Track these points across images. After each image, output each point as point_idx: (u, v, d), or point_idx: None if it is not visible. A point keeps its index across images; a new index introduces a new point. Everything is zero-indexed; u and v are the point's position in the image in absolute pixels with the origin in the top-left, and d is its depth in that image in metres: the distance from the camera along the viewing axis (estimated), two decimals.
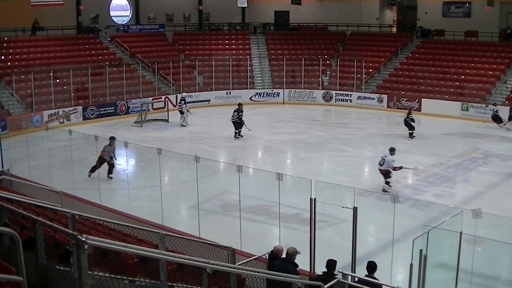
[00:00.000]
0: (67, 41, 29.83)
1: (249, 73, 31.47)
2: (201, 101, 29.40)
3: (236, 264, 7.79)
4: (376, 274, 7.77)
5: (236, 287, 6.42)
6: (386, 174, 15.06)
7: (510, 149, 20.05)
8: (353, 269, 8.96)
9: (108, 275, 4.69)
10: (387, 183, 15.02)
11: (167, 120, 25.41)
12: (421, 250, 6.94)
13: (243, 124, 21.63)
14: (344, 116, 27.68)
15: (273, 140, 21.70)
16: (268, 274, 6.85)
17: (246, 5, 35.22)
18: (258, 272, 6.85)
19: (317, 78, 31.13)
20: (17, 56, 27.41)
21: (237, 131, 21.74)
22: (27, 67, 26.25)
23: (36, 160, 17.56)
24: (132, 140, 19.97)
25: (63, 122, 24.70)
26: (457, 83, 28.11)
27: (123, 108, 27.12)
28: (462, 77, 28.29)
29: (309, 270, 9.32)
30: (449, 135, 22.53)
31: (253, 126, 22.35)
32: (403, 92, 28.44)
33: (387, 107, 28.24)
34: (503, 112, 23.41)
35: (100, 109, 26.34)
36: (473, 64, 28.75)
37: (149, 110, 26.23)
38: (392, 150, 15.27)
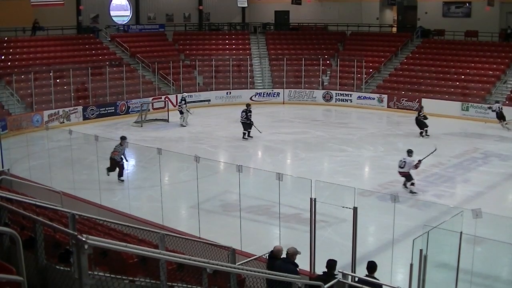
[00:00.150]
0: (67, 41, 29.84)
1: (249, 73, 31.47)
2: (201, 101, 29.39)
3: (236, 264, 7.80)
4: (376, 274, 7.77)
5: (236, 287, 6.42)
6: (407, 176, 15.05)
7: (510, 149, 20.05)
8: (353, 269, 8.95)
9: (108, 275, 4.68)
10: (412, 184, 15.00)
11: (167, 120, 25.41)
12: (421, 250, 6.94)
13: (252, 125, 21.50)
14: (344, 116, 27.68)
15: (273, 140, 21.69)
16: (268, 274, 6.85)
17: (246, 5, 35.19)
18: (258, 272, 6.85)
19: (317, 78, 31.13)
20: (17, 56, 27.41)
21: (246, 132, 21.51)
22: (27, 67, 26.24)
23: (36, 160, 17.56)
24: (132, 140, 19.94)
25: (63, 122, 24.70)
26: (457, 83, 28.11)
27: (123, 108, 27.13)
28: (462, 77, 28.29)
29: (309, 270, 9.32)
30: (449, 135, 22.52)
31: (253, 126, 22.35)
32: (403, 92, 28.43)
33: (387, 107, 28.23)
34: (505, 112, 23.43)
35: (100, 109, 26.35)
36: (473, 64, 28.74)
37: (149, 110, 26.23)
38: (410, 152, 15.28)
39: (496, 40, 29.93)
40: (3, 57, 26.64)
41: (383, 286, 7.63)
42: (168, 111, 25.90)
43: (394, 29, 36.56)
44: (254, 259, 8.88)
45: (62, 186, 13.54)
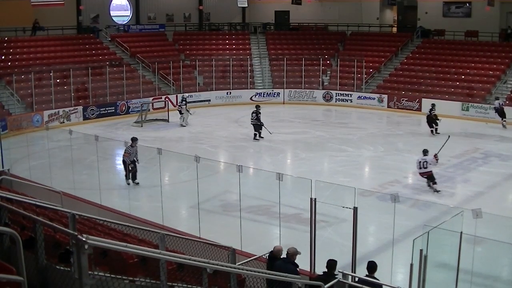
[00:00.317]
0: (67, 41, 29.84)
1: (249, 73, 31.46)
2: (201, 101, 29.39)
3: (236, 264, 7.79)
4: (376, 274, 7.77)
5: (236, 287, 6.42)
6: (430, 176, 15.07)
7: (510, 149, 20.04)
8: (353, 269, 8.95)
9: (108, 275, 4.69)
10: (435, 183, 15.03)
11: (167, 120, 25.41)
12: (421, 250, 6.94)
13: (263, 125, 21.44)
14: (344, 116, 27.68)
15: (273, 140, 21.67)
16: (268, 274, 6.85)
17: (246, 5, 35.20)
18: (258, 272, 6.85)
19: (317, 78, 31.13)
20: (17, 56, 27.41)
21: (257, 132, 21.48)
22: (27, 67, 26.25)
23: (36, 160, 17.56)
24: None
25: (63, 122, 24.71)
26: (458, 83, 28.11)
27: (123, 108, 27.12)
28: (463, 77, 28.29)
29: (309, 270, 9.32)
30: (449, 135, 22.48)
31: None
32: (403, 92, 28.43)
33: (387, 107, 28.23)
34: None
35: (101, 109, 26.35)
36: (473, 64, 28.74)
37: (149, 110, 26.24)
38: (426, 151, 15.30)
39: (496, 40, 29.93)
40: (3, 57, 26.65)
41: (383, 286, 7.63)
42: (168, 111, 25.90)
43: (394, 29, 36.57)
44: (254, 259, 8.88)
45: (62, 186, 13.54)
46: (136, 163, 15.68)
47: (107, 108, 26.60)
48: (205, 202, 13.26)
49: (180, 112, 24.53)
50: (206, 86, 30.64)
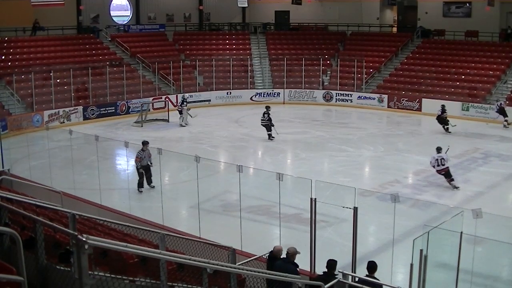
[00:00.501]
0: (67, 41, 29.84)
1: (249, 73, 31.46)
2: (201, 101, 29.38)
3: (236, 264, 7.80)
4: (376, 274, 7.77)
5: (237, 287, 6.42)
6: (447, 172, 15.18)
7: (510, 149, 20.05)
8: (354, 269, 8.95)
9: (109, 275, 4.69)
10: (452, 179, 15.18)
11: (167, 120, 25.41)
12: (421, 250, 6.94)
13: (273, 126, 21.36)
14: (344, 116, 27.68)
15: (274, 140, 21.67)
16: (268, 274, 6.85)
17: (246, 5, 35.19)
18: (258, 272, 6.85)
19: (318, 78, 31.13)
20: (17, 56, 27.42)
21: (270, 133, 21.42)
22: (27, 67, 26.25)
23: (37, 160, 17.56)
24: (132, 140, 19.89)
25: (64, 122, 24.71)
26: (458, 83, 28.11)
27: (124, 108, 27.12)
28: (463, 77, 28.28)
29: (309, 270, 9.32)
30: (449, 135, 22.50)
31: (254, 126, 22.35)
32: (403, 92, 28.42)
33: (388, 107, 28.23)
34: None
35: (101, 109, 26.35)
36: (473, 64, 28.74)
37: (149, 110, 26.23)
38: (440, 149, 15.45)
39: (496, 40, 29.93)
40: (3, 57, 26.65)
41: (383, 286, 7.63)
42: (168, 111, 25.90)
43: (395, 29, 36.56)
44: (254, 259, 8.88)
45: (62, 186, 13.54)
46: (150, 166, 15.03)
47: (107, 108, 26.60)
48: (205, 202, 13.26)
49: (180, 112, 24.52)
50: (206, 86, 30.64)
